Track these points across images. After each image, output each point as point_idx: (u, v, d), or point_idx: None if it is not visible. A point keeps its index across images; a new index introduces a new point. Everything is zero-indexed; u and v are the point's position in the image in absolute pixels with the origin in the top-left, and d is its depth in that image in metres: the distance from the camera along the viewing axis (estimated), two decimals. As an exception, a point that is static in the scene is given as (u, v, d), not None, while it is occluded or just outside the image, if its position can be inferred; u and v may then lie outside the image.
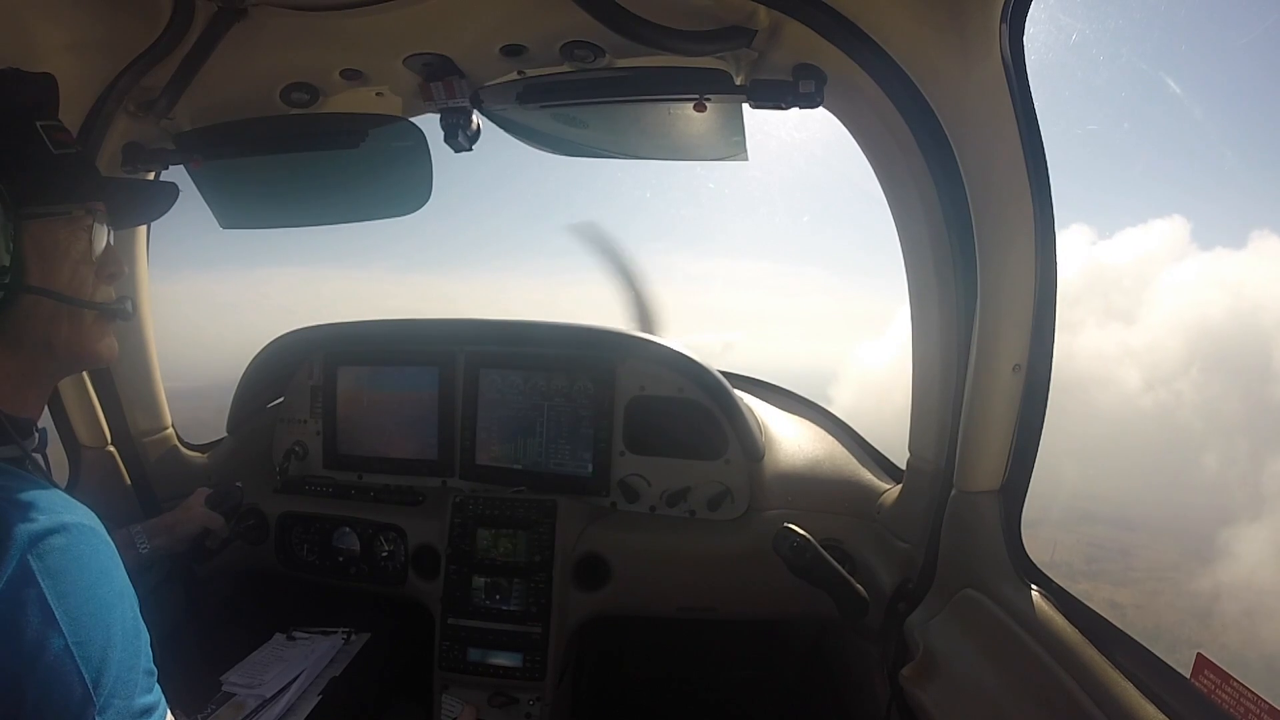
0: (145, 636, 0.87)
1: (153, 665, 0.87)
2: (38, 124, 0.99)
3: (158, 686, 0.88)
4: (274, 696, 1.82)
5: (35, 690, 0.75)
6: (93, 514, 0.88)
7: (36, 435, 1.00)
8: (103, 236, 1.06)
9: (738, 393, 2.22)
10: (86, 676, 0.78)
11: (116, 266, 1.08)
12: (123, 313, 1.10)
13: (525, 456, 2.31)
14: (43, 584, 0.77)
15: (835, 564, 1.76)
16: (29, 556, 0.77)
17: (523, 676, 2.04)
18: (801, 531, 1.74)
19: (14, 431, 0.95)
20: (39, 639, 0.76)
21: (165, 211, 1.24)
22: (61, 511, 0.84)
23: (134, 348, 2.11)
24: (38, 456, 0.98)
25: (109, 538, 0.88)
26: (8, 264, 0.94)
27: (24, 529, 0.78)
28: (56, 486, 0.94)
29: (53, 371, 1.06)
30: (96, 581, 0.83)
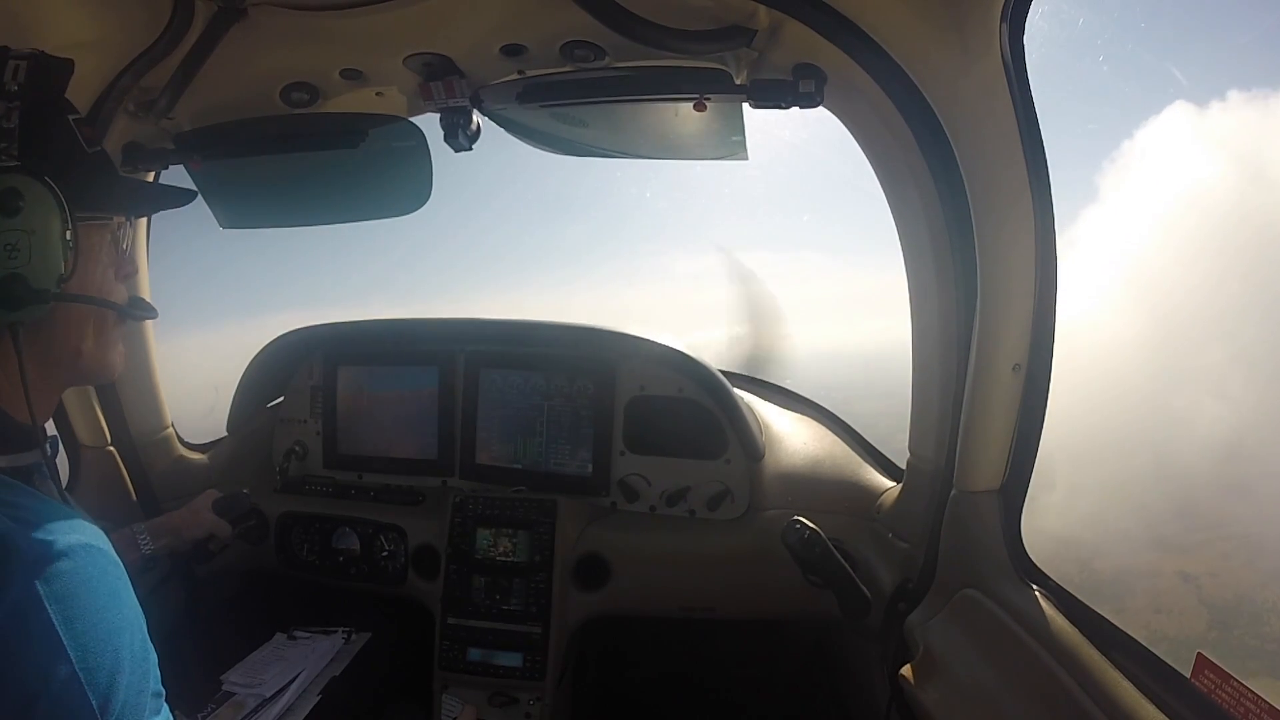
0: (153, 658, 0.86)
1: (160, 686, 0.86)
2: (70, 119, 0.97)
3: (166, 707, 0.86)
4: (273, 696, 1.82)
5: (42, 716, 0.73)
6: (100, 532, 0.86)
7: (46, 445, 0.97)
8: (128, 238, 1.07)
9: (738, 392, 2.22)
10: (94, 702, 0.76)
11: (133, 265, 1.09)
12: (150, 312, 1.11)
13: (525, 456, 2.31)
14: (50, 609, 0.75)
15: (842, 560, 1.76)
16: (36, 581, 0.75)
17: (523, 676, 2.04)
18: (811, 525, 1.74)
19: (24, 442, 0.93)
20: (46, 665, 0.74)
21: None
22: (69, 532, 0.81)
23: (134, 348, 2.11)
24: (45, 465, 0.96)
25: (117, 558, 0.86)
26: (65, 272, 0.93)
27: (30, 551, 0.76)
28: (64, 501, 0.93)
29: (69, 381, 1.06)
30: (105, 605, 0.80)
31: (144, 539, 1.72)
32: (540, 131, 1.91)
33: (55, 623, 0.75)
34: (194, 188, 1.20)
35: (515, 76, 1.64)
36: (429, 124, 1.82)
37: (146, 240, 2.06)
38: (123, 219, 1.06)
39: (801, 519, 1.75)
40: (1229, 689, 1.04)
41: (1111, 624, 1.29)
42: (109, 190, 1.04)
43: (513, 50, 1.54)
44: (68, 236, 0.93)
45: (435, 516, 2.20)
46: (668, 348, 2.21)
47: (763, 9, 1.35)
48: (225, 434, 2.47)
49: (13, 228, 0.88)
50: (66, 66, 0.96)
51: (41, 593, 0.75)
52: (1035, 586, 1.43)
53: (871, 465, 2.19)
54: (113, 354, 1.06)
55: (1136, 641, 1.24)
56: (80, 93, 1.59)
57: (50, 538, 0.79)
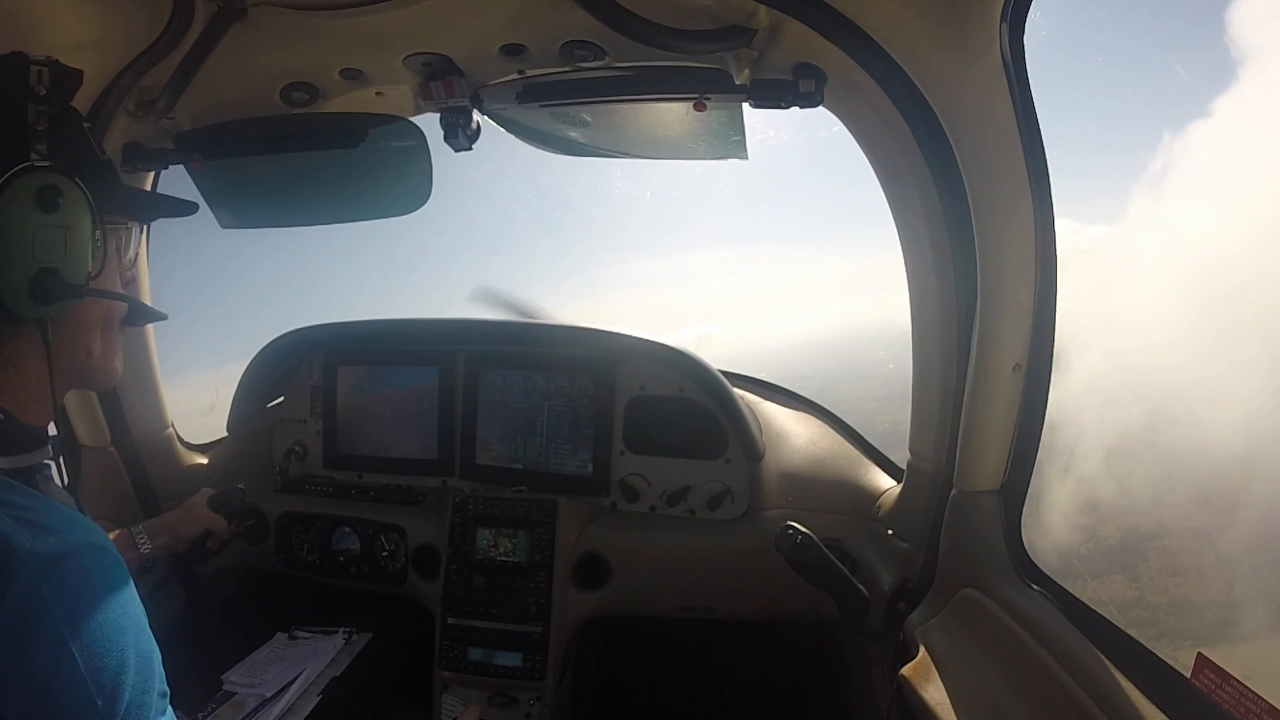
0: (158, 657, 0.85)
1: (165, 686, 0.85)
2: (85, 126, 1.00)
3: (170, 709, 0.86)
4: (274, 696, 1.82)
5: (48, 718, 0.73)
6: (103, 533, 0.86)
7: (49, 446, 0.98)
8: (131, 244, 1.11)
9: (738, 392, 2.22)
10: (99, 703, 0.75)
11: (134, 271, 1.14)
12: (159, 315, 1.17)
13: (525, 456, 2.31)
14: (54, 610, 0.74)
15: (837, 562, 1.76)
16: (40, 582, 0.74)
17: (523, 676, 2.04)
18: (804, 529, 1.74)
19: (28, 442, 0.93)
20: (51, 667, 0.73)
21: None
22: (73, 532, 0.81)
23: (134, 348, 2.11)
24: (50, 465, 0.96)
25: (121, 558, 0.86)
26: (94, 270, 0.97)
27: (34, 552, 0.75)
28: (67, 502, 0.92)
29: (74, 383, 1.07)
30: (109, 606, 0.80)
31: (142, 539, 1.72)
32: (540, 131, 1.92)
33: (59, 624, 0.74)
34: (194, 197, 1.25)
35: (515, 76, 1.64)
36: (429, 124, 1.82)
37: (146, 241, 2.06)
38: (134, 223, 1.10)
39: (794, 524, 1.74)
40: (1229, 689, 1.04)
41: (1111, 624, 1.30)
42: (121, 196, 1.08)
43: (513, 50, 1.54)
44: (97, 235, 0.97)
45: (435, 516, 2.20)
46: (667, 347, 2.21)
47: (763, 9, 1.34)
48: (225, 434, 2.47)
49: (50, 223, 0.91)
50: (76, 75, 0.99)
51: (45, 594, 0.74)
52: (1035, 586, 1.43)
53: (871, 465, 2.19)
54: (116, 358, 1.08)
55: (1137, 641, 1.24)
56: (80, 93, 1.59)
57: (53, 538, 0.78)
